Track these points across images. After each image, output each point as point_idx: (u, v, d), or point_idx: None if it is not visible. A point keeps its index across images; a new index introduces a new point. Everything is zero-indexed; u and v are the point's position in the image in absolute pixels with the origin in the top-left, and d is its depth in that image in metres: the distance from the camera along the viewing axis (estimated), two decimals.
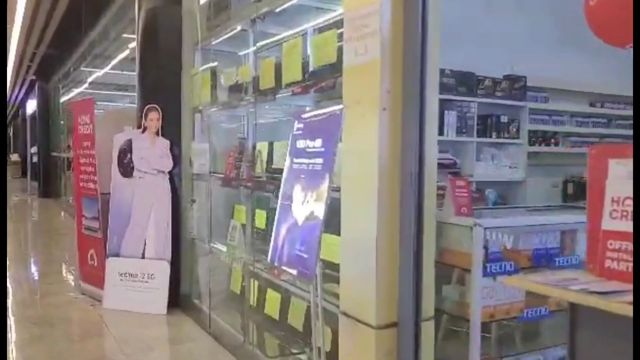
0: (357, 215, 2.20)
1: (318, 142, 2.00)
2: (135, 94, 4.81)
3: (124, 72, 10.84)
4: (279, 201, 2.25)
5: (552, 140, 6.76)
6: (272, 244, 2.23)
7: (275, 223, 2.24)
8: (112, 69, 10.58)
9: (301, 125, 2.17)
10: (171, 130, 4.48)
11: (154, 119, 4.48)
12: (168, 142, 4.48)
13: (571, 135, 6.91)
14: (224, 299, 4.28)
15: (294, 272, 1.98)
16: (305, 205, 1.99)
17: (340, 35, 2.48)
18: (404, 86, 2.10)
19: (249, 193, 4.44)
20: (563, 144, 6.88)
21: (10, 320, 4.24)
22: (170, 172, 4.48)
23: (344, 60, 2.30)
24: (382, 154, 2.09)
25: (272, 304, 3.64)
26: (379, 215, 2.10)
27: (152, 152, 4.48)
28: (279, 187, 2.98)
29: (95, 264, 4.84)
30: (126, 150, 4.57)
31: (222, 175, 3.85)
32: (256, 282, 3.59)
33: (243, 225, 3.55)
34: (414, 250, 2.08)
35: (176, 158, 4.47)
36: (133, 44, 8.41)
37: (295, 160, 2.16)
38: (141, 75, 4.65)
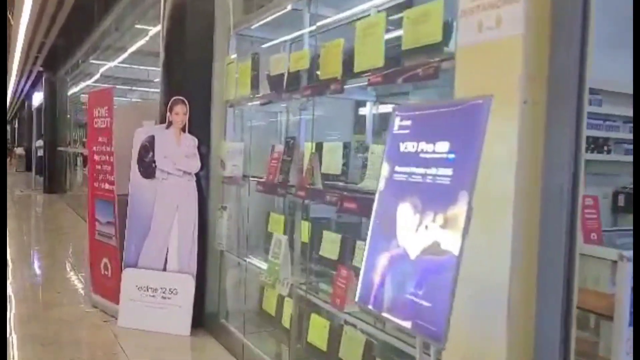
0: (479, 243, 1.66)
1: (443, 146, 1.45)
2: (159, 86, 4.29)
3: (134, 66, 10.38)
4: (372, 222, 1.70)
5: (605, 147, 6.21)
6: (362, 278, 1.68)
7: (366, 250, 1.69)
8: (122, 62, 10.12)
9: (408, 122, 1.62)
10: (199, 126, 3.94)
11: (180, 113, 3.94)
12: (196, 139, 3.94)
13: (624, 142, 6.37)
14: (256, 321, 3.75)
15: (407, 324, 1.43)
16: (422, 232, 1.45)
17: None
18: (552, 71, 1.56)
19: (295, 202, 3.92)
20: (615, 151, 6.34)
21: (13, 339, 3.71)
22: (197, 174, 3.94)
23: (458, 38, 1.76)
24: (522, 161, 1.55)
25: (319, 332, 3.09)
26: (513, 244, 1.56)
27: (178, 150, 3.95)
28: (344, 199, 2.46)
29: (109, 275, 4.31)
30: (148, 148, 4.04)
31: (261, 180, 3.31)
32: (297, 304, 3.05)
33: (290, 240, 3.01)
34: (564, 294, 1.54)
35: (204, 158, 3.94)
36: (147, 36, 7.93)
37: (398, 169, 1.62)
38: (166, 64, 4.12)
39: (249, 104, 3.49)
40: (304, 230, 3.34)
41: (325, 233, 3.20)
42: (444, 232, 1.39)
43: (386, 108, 3.33)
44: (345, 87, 2.41)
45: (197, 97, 3.94)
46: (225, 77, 3.75)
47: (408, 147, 1.60)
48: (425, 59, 1.96)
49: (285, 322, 3.47)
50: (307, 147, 2.88)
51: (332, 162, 3.06)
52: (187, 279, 3.87)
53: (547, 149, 1.57)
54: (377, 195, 1.71)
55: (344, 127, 4.24)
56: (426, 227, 1.45)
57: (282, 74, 2.96)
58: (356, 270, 2.79)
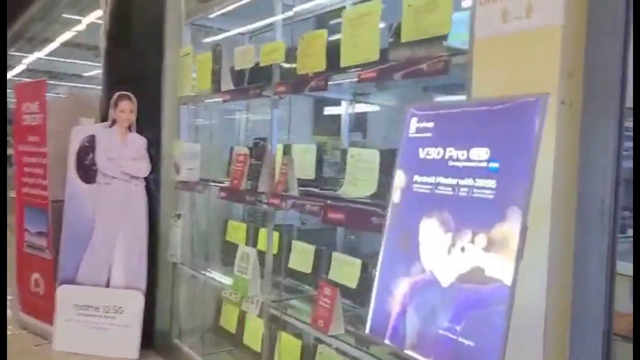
0: None
1: (480, 153, 1.23)
2: (91, 81, 3.86)
3: (62, 60, 9.67)
4: (385, 239, 1.46)
5: None
6: (373, 305, 1.44)
7: (378, 273, 1.45)
8: (49, 54, 9.41)
9: (429, 124, 1.39)
10: (149, 125, 3.56)
11: (127, 110, 3.54)
12: (144, 140, 3.55)
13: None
14: (213, 340, 3.42)
15: None
16: (456, 254, 1.22)
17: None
18: (589, 67, 1.38)
19: (256, 209, 3.63)
20: None
21: None
22: (146, 178, 3.55)
23: (476, 29, 1.55)
24: (559, 170, 1.36)
25: (290, 353, 2.82)
26: (550, 263, 1.37)
27: (123, 151, 3.54)
28: (328, 208, 2.20)
29: (42, 292, 3.82)
30: (87, 149, 3.60)
31: (224, 185, 2.99)
32: (269, 325, 2.76)
33: (261, 253, 2.72)
34: (605, 323, 1.37)
35: (155, 160, 3.56)
36: (82, 25, 7.33)
37: (418, 178, 1.38)
38: (109, 54, 3.69)
39: (208, 100, 3.15)
40: (274, 240, 3.06)
41: (296, 243, 2.93)
42: (488, 255, 1.17)
43: (358, 108, 3.12)
44: (331, 82, 2.16)
45: (146, 92, 3.55)
46: (179, 71, 3.39)
47: (431, 153, 1.36)
48: (423, 53, 1.75)
49: (248, 340, 3.17)
50: (280, 149, 2.60)
51: (304, 165, 2.79)
52: (134, 296, 3.47)
53: (582, 155, 1.38)
54: (390, 209, 1.46)
55: (300, 128, 3.99)
56: (462, 249, 1.22)
57: (250, 68, 2.66)
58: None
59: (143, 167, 3.54)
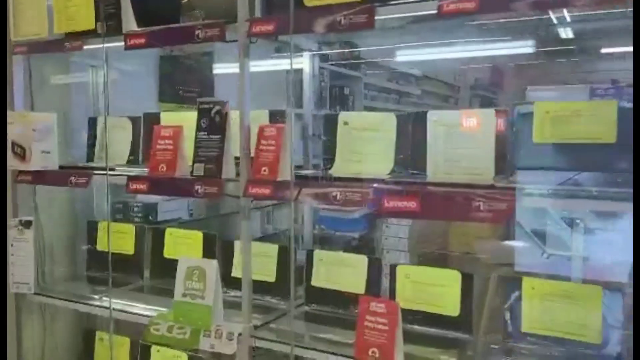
0: None
1: None
2: None
3: None
4: None
5: None
6: None
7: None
8: None
9: None
10: None
11: None
12: None
13: None
14: None
15: None
16: None
17: None
18: None
19: (127, 203, 2.72)
20: None
21: None
22: None
23: None
24: None
25: None
26: None
27: None
28: (384, 195, 1.59)
29: None
30: None
31: (135, 174, 2.04)
32: None
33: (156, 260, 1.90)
34: None
35: None
36: None
37: None
38: None
39: (88, 47, 2.06)
40: (196, 241, 2.25)
41: (254, 244, 2.13)
42: None
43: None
44: (378, 18, 1.53)
45: None
46: (17, 3, 2.16)
47: None
48: None
49: None
50: (257, 118, 1.83)
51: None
52: None
53: None
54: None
55: (140, 92, 3.10)
56: None
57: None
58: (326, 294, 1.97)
59: None
